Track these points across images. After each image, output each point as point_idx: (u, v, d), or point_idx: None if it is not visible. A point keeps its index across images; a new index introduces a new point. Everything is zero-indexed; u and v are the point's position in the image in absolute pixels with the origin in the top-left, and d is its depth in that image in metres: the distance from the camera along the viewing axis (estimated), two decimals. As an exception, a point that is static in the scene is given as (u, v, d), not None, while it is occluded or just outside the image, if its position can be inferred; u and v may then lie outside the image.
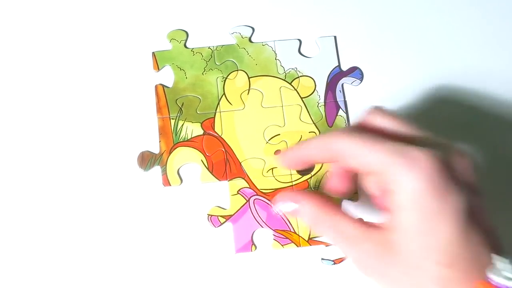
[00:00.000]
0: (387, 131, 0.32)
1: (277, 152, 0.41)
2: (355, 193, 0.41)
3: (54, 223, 0.40)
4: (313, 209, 0.32)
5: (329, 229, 0.31)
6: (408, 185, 0.28)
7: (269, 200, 0.41)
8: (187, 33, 0.44)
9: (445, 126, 0.43)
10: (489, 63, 0.45)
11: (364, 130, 0.32)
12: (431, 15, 0.46)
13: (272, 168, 0.41)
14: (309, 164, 0.34)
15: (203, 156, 0.42)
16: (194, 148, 0.42)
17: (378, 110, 0.32)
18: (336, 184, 0.34)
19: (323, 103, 0.43)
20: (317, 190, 0.36)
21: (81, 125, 0.42)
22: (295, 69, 0.44)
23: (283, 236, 0.40)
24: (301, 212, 0.32)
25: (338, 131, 0.31)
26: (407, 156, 0.29)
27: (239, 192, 0.41)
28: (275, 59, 0.44)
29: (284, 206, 0.33)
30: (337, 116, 0.43)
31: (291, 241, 0.40)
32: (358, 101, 0.43)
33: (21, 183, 0.41)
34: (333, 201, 0.32)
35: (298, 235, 0.40)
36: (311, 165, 0.36)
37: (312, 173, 0.41)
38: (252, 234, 0.40)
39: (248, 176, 0.41)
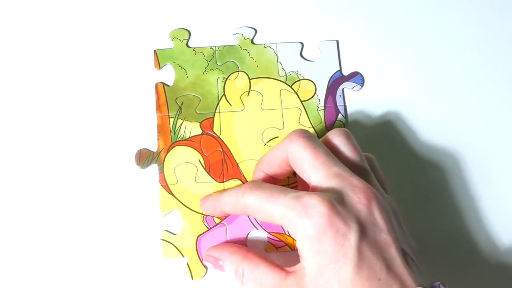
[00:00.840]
0: (339, 155, 0.35)
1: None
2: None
3: (51, 217, 0.40)
4: (234, 265, 0.35)
5: (250, 282, 0.34)
6: (304, 233, 0.30)
7: (265, 203, 0.41)
8: (189, 32, 0.44)
9: (445, 130, 0.43)
10: (491, 67, 0.45)
11: (272, 181, 0.37)
12: (434, 22, 0.46)
13: (269, 171, 0.41)
14: (225, 214, 0.39)
15: (200, 156, 0.42)
16: (192, 148, 0.42)
17: (343, 132, 0.36)
18: None
19: (323, 107, 0.43)
20: (235, 245, 0.38)
21: (80, 121, 0.42)
22: (296, 72, 0.44)
23: (277, 239, 0.40)
24: (225, 268, 0.36)
25: (247, 186, 0.34)
26: (301, 205, 0.31)
27: (235, 193, 0.41)
28: (277, 62, 0.44)
29: (209, 264, 0.38)
30: (336, 121, 0.43)
31: (286, 244, 0.40)
32: (358, 107, 0.43)
33: (18, 180, 0.41)
34: (254, 252, 0.35)
35: (293, 238, 0.40)
36: (227, 215, 0.39)
37: (309, 177, 0.41)
38: (247, 236, 0.40)
39: (245, 178, 0.41)
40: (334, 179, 0.32)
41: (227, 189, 0.38)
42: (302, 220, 0.30)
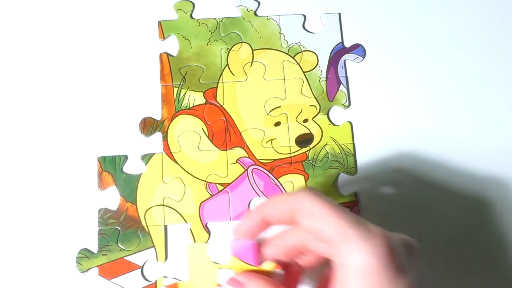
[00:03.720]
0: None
1: (277, 123, 0.41)
2: (352, 167, 0.41)
3: (65, 185, 0.41)
4: None
5: None
6: (359, 259, 0.27)
7: (267, 170, 0.41)
8: (193, 4, 0.45)
9: (444, 106, 0.43)
10: (491, 53, 0.45)
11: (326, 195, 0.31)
12: (436, -2, 0.46)
13: (272, 139, 0.42)
14: (265, 226, 0.33)
15: (204, 125, 0.42)
16: (196, 117, 0.42)
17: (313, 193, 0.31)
18: (272, 252, 0.33)
19: (325, 78, 0.44)
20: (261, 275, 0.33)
21: (85, 90, 0.43)
22: (299, 43, 0.44)
23: (279, 206, 0.41)
24: None
25: (303, 189, 0.30)
26: (362, 229, 0.28)
27: (238, 161, 0.42)
28: (279, 33, 0.44)
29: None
30: (338, 92, 0.43)
31: (287, 211, 0.41)
32: (360, 78, 0.44)
33: (29, 151, 0.42)
34: (275, 283, 0.32)
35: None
36: (265, 229, 0.33)
37: (311, 145, 0.42)
38: (249, 203, 0.41)
39: (248, 146, 0.42)
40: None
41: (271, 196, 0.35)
42: (364, 243, 0.27)
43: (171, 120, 0.42)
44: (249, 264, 0.34)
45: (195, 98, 0.43)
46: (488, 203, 0.41)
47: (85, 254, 0.39)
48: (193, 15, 0.45)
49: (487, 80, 0.44)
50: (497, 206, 0.41)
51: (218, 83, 0.43)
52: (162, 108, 0.42)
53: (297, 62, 0.44)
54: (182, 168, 0.41)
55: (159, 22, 0.44)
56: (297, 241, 0.32)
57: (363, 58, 0.44)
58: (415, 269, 0.28)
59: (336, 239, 0.28)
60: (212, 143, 0.42)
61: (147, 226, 0.40)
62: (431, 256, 0.39)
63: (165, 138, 0.42)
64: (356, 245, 0.27)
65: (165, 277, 0.39)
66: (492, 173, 0.42)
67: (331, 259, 0.30)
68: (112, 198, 0.40)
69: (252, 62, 0.44)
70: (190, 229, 0.40)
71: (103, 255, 0.39)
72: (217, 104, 0.43)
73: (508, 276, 0.40)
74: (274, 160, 0.42)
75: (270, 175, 0.41)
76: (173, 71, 0.43)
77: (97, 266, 0.39)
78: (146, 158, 0.41)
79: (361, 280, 0.27)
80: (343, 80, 0.44)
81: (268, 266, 0.34)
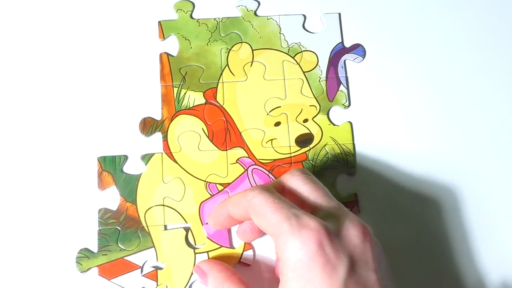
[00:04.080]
0: (301, 196, 0.33)
1: (277, 123, 0.42)
2: (352, 167, 0.41)
3: (61, 185, 0.41)
4: (216, 283, 0.36)
5: None
6: (291, 253, 0.28)
7: (267, 170, 0.41)
8: (193, 4, 0.45)
9: (444, 105, 0.43)
10: (491, 53, 0.45)
11: (282, 190, 0.34)
12: (436, -2, 0.46)
13: (272, 139, 0.42)
14: (232, 222, 0.36)
15: (204, 125, 0.42)
16: (196, 117, 0.42)
17: (299, 173, 0.34)
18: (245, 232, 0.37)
19: (325, 78, 0.44)
20: (224, 264, 0.38)
21: (86, 90, 0.43)
22: (299, 43, 0.44)
23: (279, 206, 0.41)
24: (208, 284, 0.36)
25: (255, 187, 0.33)
26: (296, 223, 0.29)
27: (238, 161, 0.42)
28: (279, 33, 0.44)
29: (197, 275, 0.38)
30: (338, 92, 0.43)
31: (287, 211, 0.41)
32: (360, 78, 0.44)
33: (29, 151, 0.42)
34: (238, 276, 0.36)
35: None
36: (235, 222, 0.37)
37: (311, 145, 0.42)
38: (249, 203, 0.41)
39: (248, 146, 0.42)
40: (333, 209, 0.31)
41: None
42: (293, 237, 0.28)
43: (171, 120, 0.42)
44: (224, 246, 0.39)
45: (195, 98, 0.43)
46: (491, 203, 0.41)
47: (85, 254, 0.39)
48: (193, 15, 0.45)
49: (487, 80, 0.44)
50: (497, 205, 0.41)
51: (218, 83, 0.43)
52: (162, 108, 0.42)
53: (297, 62, 0.44)
54: (182, 168, 0.41)
55: (159, 22, 0.44)
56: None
57: (363, 58, 0.44)
58: (371, 255, 0.29)
59: (274, 234, 0.30)
60: (212, 143, 0.42)
61: (147, 226, 0.40)
62: (431, 254, 0.40)
63: (165, 138, 0.42)
64: (288, 239, 0.29)
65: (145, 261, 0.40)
66: (492, 172, 0.42)
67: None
68: (112, 198, 0.40)
69: (252, 62, 0.44)
70: (190, 229, 0.40)
71: (103, 255, 0.39)
72: (217, 104, 0.43)
73: (508, 276, 0.40)
74: (274, 160, 0.42)
75: (270, 175, 0.41)
76: (173, 71, 0.43)
77: (97, 266, 0.39)
78: (146, 158, 0.41)
79: (293, 273, 0.28)
80: (343, 80, 0.44)
81: (239, 246, 0.39)
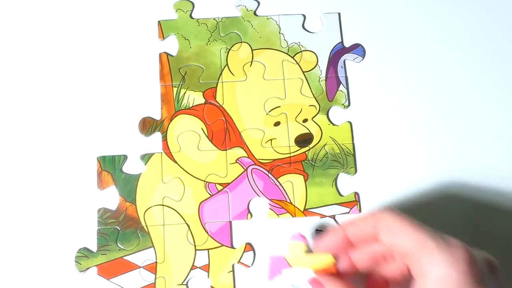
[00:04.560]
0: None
1: (276, 123, 0.42)
2: (352, 167, 0.41)
3: (62, 183, 0.41)
4: None
5: None
6: (439, 269, 0.28)
7: (267, 170, 0.41)
8: (193, 3, 0.45)
9: (444, 105, 0.43)
10: (491, 53, 0.45)
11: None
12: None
13: (271, 139, 0.42)
14: (344, 244, 0.34)
15: (203, 124, 0.42)
16: (195, 116, 0.42)
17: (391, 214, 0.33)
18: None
19: (324, 78, 0.44)
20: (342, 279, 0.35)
21: (85, 89, 0.43)
22: (298, 43, 0.44)
23: (279, 206, 0.41)
24: None
25: (384, 209, 0.32)
26: (441, 241, 0.29)
27: (237, 161, 0.41)
28: (279, 33, 0.44)
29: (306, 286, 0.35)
30: (337, 91, 0.43)
31: (287, 211, 0.40)
32: (359, 78, 0.43)
33: (29, 151, 0.42)
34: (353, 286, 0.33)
35: (294, 205, 0.40)
36: (345, 245, 0.34)
37: (311, 145, 0.42)
38: (249, 203, 0.41)
39: (247, 146, 0.42)
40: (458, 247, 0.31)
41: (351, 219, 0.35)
42: (444, 254, 0.28)
43: (171, 120, 0.42)
44: (225, 246, 0.39)
45: (194, 98, 0.43)
46: (489, 201, 0.41)
47: (84, 254, 0.39)
48: (193, 15, 0.45)
49: (487, 79, 0.44)
50: (497, 204, 0.41)
51: (217, 83, 0.43)
52: (161, 108, 0.42)
53: (296, 62, 0.44)
54: (182, 168, 0.41)
55: (159, 22, 0.44)
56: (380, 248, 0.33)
57: (363, 58, 0.44)
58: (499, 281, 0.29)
59: (416, 250, 0.29)
60: (212, 143, 0.42)
61: (146, 226, 0.40)
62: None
63: (164, 138, 0.42)
64: (437, 256, 0.28)
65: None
66: (492, 172, 0.42)
67: (411, 271, 0.31)
68: (111, 198, 0.40)
69: (251, 62, 0.44)
70: (189, 229, 0.40)
71: (102, 254, 0.39)
72: (217, 104, 0.43)
73: None
74: (274, 160, 0.42)
75: (269, 175, 0.41)
76: (173, 71, 0.43)
77: (96, 265, 0.39)
78: (146, 158, 0.41)
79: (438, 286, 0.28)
80: (342, 80, 0.44)
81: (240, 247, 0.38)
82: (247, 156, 0.42)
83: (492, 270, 0.30)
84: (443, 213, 0.41)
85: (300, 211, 0.40)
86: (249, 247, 0.40)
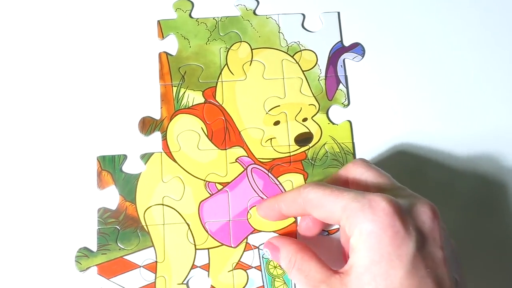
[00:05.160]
0: (366, 182, 0.34)
1: (276, 122, 0.42)
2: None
3: (60, 185, 0.41)
4: (289, 255, 0.35)
5: (297, 271, 0.34)
6: (363, 226, 0.30)
7: (266, 169, 0.41)
8: (192, 3, 0.45)
9: (443, 104, 0.43)
10: (491, 52, 0.45)
11: (345, 182, 0.36)
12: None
13: (271, 138, 0.42)
14: (283, 217, 0.38)
15: (203, 124, 0.42)
16: (195, 116, 0.42)
17: (360, 161, 0.36)
18: (308, 227, 0.38)
19: (324, 77, 0.44)
20: (294, 239, 0.38)
21: (85, 89, 0.43)
22: (298, 42, 0.44)
23: (278, 205, 0.41)
24: (281, 256, 0.36)
25: (307, 185, 0.34)
26: (363, 200, 0.30)
27: (237, 160, 0.42)
28: (278, 32, 0.44)
29: (267, 250, 0.38)
30: (337, 90, 0.43)
31: (287, 210, 0.41)
32: (359, 77, 0.44)
33: (28, 150, 0.42)
34: (309, 249, 0.35)
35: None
36: (285, 217, 0.39)
37: (310, 144, 0.42)
38: (249, 202, 0.41)
39: (247, 145, 0.42)
40: (399, 190, 0.33)
41: (283, 192, 0.39)
42: (365, 213, 0.30)
43: (170, 120, 0.42)
44: (225, 245, 0.40)
45: (194, 97, 0.43)
46: (487, 202, 0.42)
47: (84, 253, 0.39)
48: (192, 14, 0.45)
49: (487, 79, 0.44)
50: (498, 206, 0.41)
51: (217, 82, 0.43)
52: (161, 108, 0.42)
53: (296, 61, 0.44)
54: (182, 168, 0.41)
55: (158, 21, 0.44)
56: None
57: (362, 57, 0.44)
58: (439, 234, 0.30)
59: (343, 217, 0.31)
60: (212, 142, 0.42)
61: (146, 226, 0.40)
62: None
63: (164, 138, 0.42)
64: (358, 215, 0.30)
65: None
66: (492, 172, 0.42)
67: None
68: (111, 197, 0.40)
69: (251, 61, 0.44)
70: (190, 229, 0.40)
71: (102, 254, 0.39)
72: (216, 103, 0.43)
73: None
74: (274, 159, 0.42)
75: (269, 174, 0.41)
76: (172, 70, 0.43)
77: (96, 265, 0.39)
78: (145, 157, 0.41)
79: (364, 244, 0.29)
80: (342, 79, 0.44)
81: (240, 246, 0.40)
82: (246, 155, 0.42)
83: (433, 216, 0.31)
84: (442, 211, 0.41)
85: (300, 210, 0.41)
86: (249, 246, 0.40)
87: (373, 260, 0.29)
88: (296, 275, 0.34)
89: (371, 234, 0.29)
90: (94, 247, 0.39)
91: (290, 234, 0.40)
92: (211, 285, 0.39)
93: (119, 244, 0.39)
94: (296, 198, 0.34)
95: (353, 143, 0.42)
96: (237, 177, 0.41)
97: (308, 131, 0.42)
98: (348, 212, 0.31)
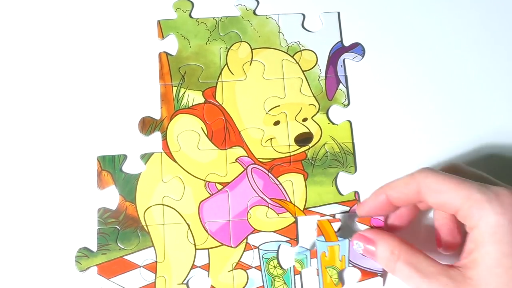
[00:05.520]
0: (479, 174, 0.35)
1: (276, 122, 0.42)
2: (352, 166, 0.42)
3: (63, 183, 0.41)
4: (391, 247, 0.33)
5: (405, 264, 0.32)
6: (490, 219, 0.29)
7: (266, 169, 0.41)
8: (192, 3, 0.45)
9: (444, 104, 0.44)
10: (491, 52, 0.45)
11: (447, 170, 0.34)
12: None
13: (271, 138, 0.42)
14: (389, 208, 0.36)
15: (203, 124, 0.42)
16: (195, 116, 0.42)
17: (456, 165, 0.36)
18: (448, 239, 0.36)
19: (324, 77, 0.44)
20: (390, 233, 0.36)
21: (85, 89, 0.43)
22: (298, 42, 0.44)
23: (278, 205, 0.41)
24: (378, 249, 0.34)
25: (421, 170, 0.33)
26: (489, 192, 0.30)
27: (237, 160, 0.42)
28: (278, 32, 0.45)
29: (361, 249, 0.36)
30: (337, 90, 0.43)
31: (287, 210, 0.41)
32: (359, 77, 0.44)
33: (29, 150, 0.42)
34: (407, 242, 0.34)
35: (294, 204, 0.41)
36: (390, 210, 0.36)
37: (310, 144, 0.42)
38: (248, 202, 0.41)
39: (247, 145, 0.42)
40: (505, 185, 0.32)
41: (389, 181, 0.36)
42: (492, 205, 0.29)
43: (170, 119, 0.42)
44: (225, 245, 0.40)
45: (194, 97, 0.43)
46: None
47: (84, 253, 0.39)
48: (192, 14, 0.45)
49: (487, 79, 0.44)
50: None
51: (217, 82, 0.43)
52: (161, 108, 0.42)
53: (296, 61, 0.44)
54: (182, 168, 0.41)
55: (158, 21, 0.45)
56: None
57: (362, 57, 0.44)
58: None
59: (465, 206, 0.30)
60: (212, 142, 0.42)
61: (146, 226, 0.40)
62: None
63: (164, 138, 0.42)
64: (486, 207, 0.29)
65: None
66: (492, 169, 0.42)
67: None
68: (111, 198, 0.41)
69: (251, 61, 0.44)
70: (190, 229, 0.40)
71: (102, 254, 0.39)
72: (216, 103, 0.43)
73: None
74: (273, 159, 0.42)
75: (269, 174, 0.41)
76: (172, 70, 0.43)
77: (96, 265, 0.39)
78: (146, 157, 0.41)
79: (493, 237, 0.29)
80: (342, 79, 0.44)
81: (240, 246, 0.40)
82: (247, 155, 0.42)
83: None
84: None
85: (300, 210, 0.40)
86: (248, 246, 0.40)
87: (504, 253, 0.29)
88: (403, 269, 0.32)
89: (500, 227, 0.29)
90: (94, 247, 0.39)
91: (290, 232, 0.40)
92: (211, 285, 0.39)
93: (119, 244, 0.39)
94: (409, 183, 0.33)
95: (353, 143, 0.42)
96: (237, 177, 0.41)
97: (308, 131, 0.42)
98: (472, 202, 0.30)
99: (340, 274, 0.39)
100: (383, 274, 0.39)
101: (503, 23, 0.46)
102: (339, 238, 0.38)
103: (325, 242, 0.38)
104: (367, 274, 0.38)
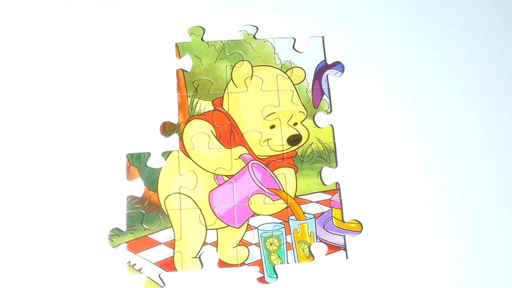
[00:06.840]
0: None
1: (272, 126, 0.51)
2: (334, 162, 0.50)
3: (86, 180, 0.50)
4: None
5: None
6: None
7: (264, 164, 0.50)
8: (204, 29, 0.54)
9: (412, 105, 0.52)
10: (463, 66, 0.54)
11: None
12: (408, 19, 0.55)
13: (268, 139, 0.51)
14: None
15: (212, 127, 0.51)
16: (206, 121, 0.51)
17: None
18: None
19: (311, 89, 0.53)
20: None
21: (117, 99, 0.52)
22: (290, 61, 0.54)
23: (274, 194, 0.49)
24: None
25: None
26: None
27: (240, 157, 0.50)
28: (274, 53, 0.54)
29: None
30: (321, 100, 0.52)
31: (281, 197, 0.49)
32: (340, 89, 0.53)
33: (73, 149, 0.50)
34: None
35: (286, 193, 0.49)
36: None
37: (300, 144, 0.51)
38: (249, 191, 0.49)
39: (248, 145, 0.51)
40: None
41: None
42: None
43: (186, 124, 0.51)
44: (230, 226, 0.48)
45: (205, 105, 0.52)
46: (464, 195, 0.50)
47: (116, 233, 0.48)
48: (204, 38, 0.54)
49: (459, 89, 0.53)
50: (494, 207, 0.50)
51: (224, 94, 0.52)
52: (178, 114, 0.51)
53: (288, 76, 0.53)
54: (195, 163, 0.50)
55: (176, 44, 0.54)
56: None
57: (342, 73, 0.53)
58: None
59: None
60: (219, 142, 0.51)
61: (166, 210, 0.49)
62: (394, 245, 0.48)
63: (181, 138, 0.51)
64: None
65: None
66: (466, 177, 0.51)
67: None
68: (138, 187, 0.49)
69: (251, 77, 0.53)
70: (201, 213, 0.49)
71: (130, 233, 0.48)
72: (223, 110, 0.52)
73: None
74: (270, 156, 0.50)
75: (266, 168, 0.50)
76: (187, 84, 0.52)
77: (125, 242, 0.47)
78: (166, 154, 0.50)
79: None
80: (326, 91, 0.53)
81: (242, 227, 0.47)
82: (248, 153, 0.51)
83: None
84: (413, 200, 0.50)
85: (291, 197, 0.49)
86: (249, 227, 0.48)
87: None
88: None
89: None
90: (123, 228, 0.48)
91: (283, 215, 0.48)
92: (219, 259, 0.47)
93: (144, 225, 0.48)
94: None
95: (334, 143, 0.51)
96: (240, 170, 0.50)
97: (298, 133, 0.51)
98: None
99: (311, 249, 0.47)
100: (345, 248, 0.47)
101: (477, 39, 0.55)
102: (307, 217, 0.48)
103: (296, 221, 0.47)
104: (332, 248, 0.47)
